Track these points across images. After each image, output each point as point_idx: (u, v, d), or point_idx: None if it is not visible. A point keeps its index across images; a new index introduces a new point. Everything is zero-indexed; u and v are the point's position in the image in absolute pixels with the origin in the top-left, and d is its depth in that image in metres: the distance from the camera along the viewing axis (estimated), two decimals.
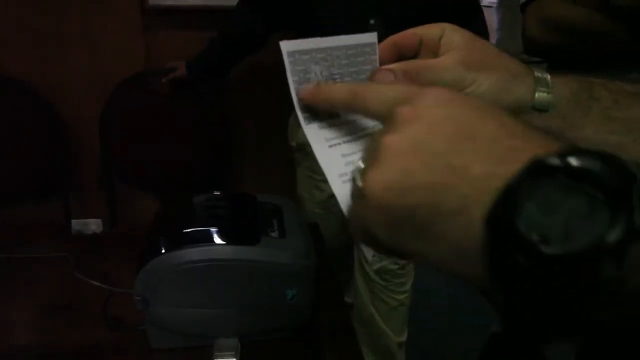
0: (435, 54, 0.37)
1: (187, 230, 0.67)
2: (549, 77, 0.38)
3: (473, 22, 1.25)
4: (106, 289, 0.79)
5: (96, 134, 1.63)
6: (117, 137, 1.63)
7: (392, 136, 0.26)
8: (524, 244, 0.19)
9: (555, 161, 0.20)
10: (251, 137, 1.84)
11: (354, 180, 0.28)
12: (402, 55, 0.38)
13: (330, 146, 0.35)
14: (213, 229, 0.67)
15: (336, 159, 0.34)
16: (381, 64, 0.39)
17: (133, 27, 1.61)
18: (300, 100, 0.35)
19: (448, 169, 0.23)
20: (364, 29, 0.40)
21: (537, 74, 0.38)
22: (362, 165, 0.27)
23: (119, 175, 1.72)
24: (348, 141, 0.36)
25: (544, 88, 0.37)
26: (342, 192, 0.34)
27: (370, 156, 0.27)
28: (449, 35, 0.37)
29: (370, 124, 0.38)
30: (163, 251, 0.65)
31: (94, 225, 1.81)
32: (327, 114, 0.36)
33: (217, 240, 0.66)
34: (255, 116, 1.81)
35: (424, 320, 1.64)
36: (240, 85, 1.74)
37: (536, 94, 0.37)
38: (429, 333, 1.68)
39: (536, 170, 0.20)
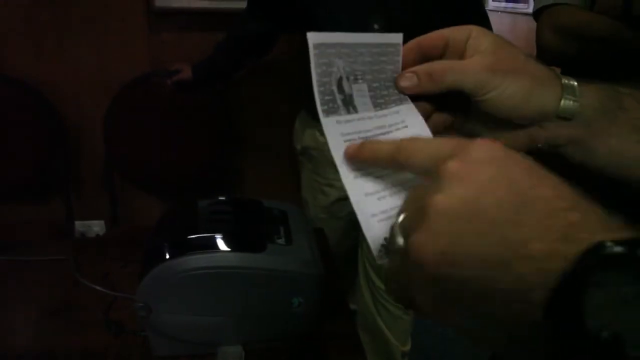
0: (461, 57, 0.37)
1: (191, 237, 0.66)
2: (576, 84, 0.37)
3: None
4: (108, 294, 0.78)
5: (99, 135, 1.62)
6: (120, 138, 1.62)
7: (440, 195, 0.24)
8: (596, 344, 0.18)
9: (621, 249, 0.19)
10: (256, 138, 1.83)
11: (393, 235, 0.27)
12: (426, 57, 0.38)
13: (346, 141, 0.34)
14: (218, 236, 0.65)
15: None
16: (405, 65, 0.38)
17: (138, 28, 1.61)
18: (346, 157, 0.34)
19: (504, 242, 0.22)
20: None
21: (565, 81, 0.37)
22: (401, 219, 0.26)
23: (121, 176, 1.70)
24: (364, 137, 0.35)
25: (571, 96, 0.36)
26: (353, 186, 0.33)
27: (416, 215, 0.25)
28: (477, 38, 0.36)
29: (388, 120, 0.38)
30: (167, 258, 0.64)
31: (97, 227, 1.80)
32: (345, 109, 0.36)
33: (223, 247, 0.64)
34: (260, 118, 1.80)
35: (429, 330, 1.62)
36: (245, 86, 1.73)
37: (562, 102, 0.36)
38: (433, 343, 1.66)
39: (602, 258, 0.19)
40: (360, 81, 0.37)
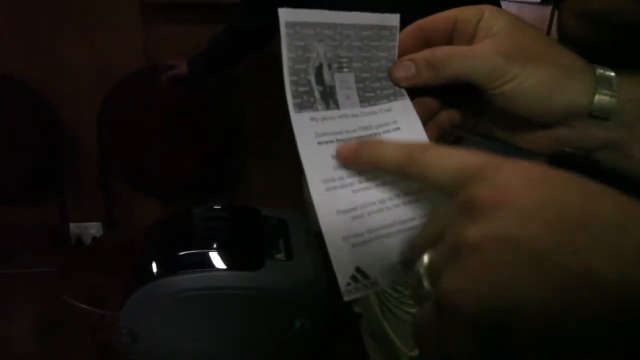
0: (471, 42, 0.30)
1: (182, 253, 0.60)
2: (614, 75, 0.30)
3: None
4: (96, 312, 0.72)
5: (94, 134, 1.56)
6: (116, 136, 1.56)
7: (474, 228, 0.20)
8: None
9: None
10: (257, 137, 1.76)
11: (419, 278, 0.22)
12: (429, 43, 0.31)
13: (320, 143, 0.29)
14: (212, 252, 0.59)
15: (324, 160, 0.29)
16: (402, 52, 0.32)
17: (132, 22, 1.54)
18: (338, 158, 0.29)
19: (564, 275, 0.18)
20: None
21: (600, 71, 0.30)
22: (427, 260, 0.22)
23: (118, 177, 1.65)
24: (343, 139, 0.30)
25: (607, 90, 0.30)
26: (323, 201, 0.27)
27: (445, 254, 0.21)
28: (489, 19, 0.30)
29: (376, 120, 0.31)
30: (154, 277, 0.58)
31: (93, 229, 1.75)
32: (324, 103, 0.30)
33: (216, 264, 0.58)
34: (261, 115, 1.73)
35: None
36: (245, 83, 1.67)
37: (596, 97, 0.30)
38: None
39: None
40: (345, 70, 0.31)
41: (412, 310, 1.32)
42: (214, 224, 0.66)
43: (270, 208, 0.74)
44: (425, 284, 0.22)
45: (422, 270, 0.22)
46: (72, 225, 1.72)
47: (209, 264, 0.58)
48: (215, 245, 0.61)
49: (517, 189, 0.20)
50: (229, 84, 1.64)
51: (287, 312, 0.60)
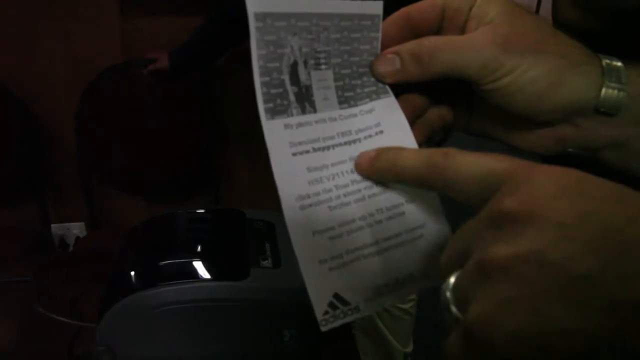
0: (462, 31, 0.28)
1: (162, 263, 0.56)
2: (622, 66, 0.28)
3: None
4: (72, 324, 0.68)
5: (72, 131, 1.50)
6: (95, 134, 1.51)
7: (505, 247, 0.17)
8: None
9: None
10: (245, 131, 1.72)
11: (447, 302, 0.19)
12: (415, 32, 0.28)
13: (295, 154, 0.26)
14: (194, 261, 0.56)
15: (299, 174, 0.26)
16: (386, 44, 0.29)
17: (108, 13, 1.48)
18: (358, 171, 0.27)
19: (616, 304, 0.16)
20: None
21: (606, 61, 0.28)
22: (453, 282, 0.19)
23: (99, 175, 1.60)
24: (320, 149, 0.27)
25: (616, 83, 0.27)
26: (297, 222, 0.25)
27: (473, 275, 0.19)
28: (483, 5, 0.27)
29: (356, 123, 0.28)
30: (132, 290, 0.54)
31: (76, 229, 1.70)
32: (299, 107, 0.26)
33: (198, 275, 0.55)
34: (248, 109, 1.68)
35: (431, 330, 1.55)
36: (232, 75, 1.61)
37: (603, 91, 0.27)
38: (439, 342, 1.59)
39: None
40: (323, 67, 0.28)
41: (406, 306, 1.30)
42: (196, 230, 0.63)
43: (255, 209, 0.70)
44: (453, 309, 0.20)
45: (448, 294, 0.20)
46: (54, 226, 1.66)
47: (191, 274, 0.55)
48: (197, 254, 0.57)
49: (551, 200, 0.18)
50: (212, 76, 1.60)
51: (275, 324, 0.56)
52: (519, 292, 0.17)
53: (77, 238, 1.69)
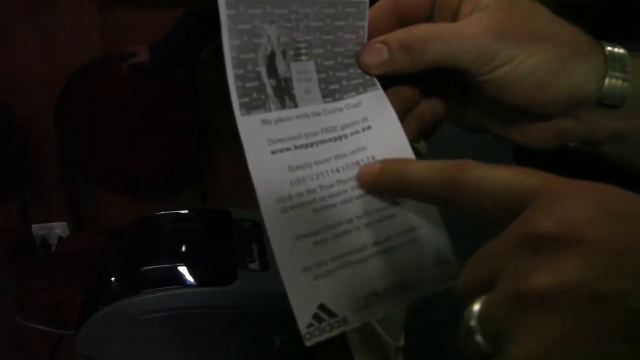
0: (455, 18, 0.26)
1: (145, 269, 0.54)
2: (626, 54, 0.26)
3: None
4: (54, 332, 0.66)
5: (52, 128, 1.46)
6: (75, 131, 1.47)
7: (545, 276, 0.16)
8: None
9: None
10: (231, 126, 1.68)
11: (471, 331, 0.18)
12: (404, 20, 0.27)
13: (274, 152, 0.24)
14: (178, 267, 0.54)
15: (279, 174, 0.24)
16: (373, 32, 0.27)
17: (86, 5, 1.43)
18: (361, 184, 0.25)
19: None
20: None
21: (609, 48, 0.26)
22: (478, 309, 0.18)
23: (81, 174, 1.56)
24: (303, 146, 0.25)
25: (620, 72, 0.26)
26: (278, 226, 0.23)
27: (507, 304, 0.17)
28: None
29: (342, 119, 0.26)
30: (115, 298, 0.52)
31: (58, 229, 1.66)
32: (278, 101, 0.24)
33: (183, 281, 0.53)
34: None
35: (423, 324, 1.55)
36: (217, 68, 1.58)
37: (607, 81, 0.25)
38: (428, 337, 1.59)
39: None
40: (304, 58, 0.26)
41: None
42: (180, 232, 0.61)
43: (243, 209, 0.68)
44: (478, 339, 0.18)
45: (473, 323, 0.18)
46: (35, 226, 1.63)
47: (175, 280, 0.52)
48: (181, 258, 0.55)
49: (591, 221, 0.16)
50: (195, 70, 1.56)
51: (264, 329, 0.54)
52: (575, 328, 0.15)
53: (60, 238, 1.65)
